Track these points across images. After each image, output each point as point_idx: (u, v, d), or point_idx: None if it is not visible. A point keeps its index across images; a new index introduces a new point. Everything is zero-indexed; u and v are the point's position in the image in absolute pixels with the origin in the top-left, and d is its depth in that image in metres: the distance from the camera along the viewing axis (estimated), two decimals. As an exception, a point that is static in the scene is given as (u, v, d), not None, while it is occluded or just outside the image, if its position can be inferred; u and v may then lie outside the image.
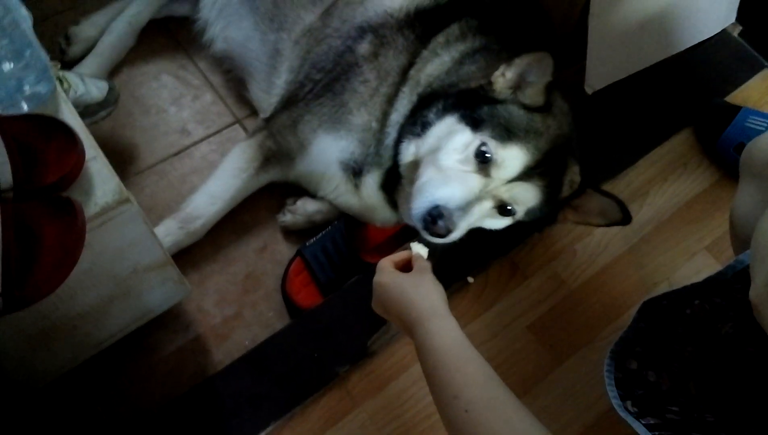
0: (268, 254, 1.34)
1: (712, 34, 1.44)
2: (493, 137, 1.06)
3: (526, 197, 1.09)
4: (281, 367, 1.18)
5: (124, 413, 1.14)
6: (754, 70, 1.59)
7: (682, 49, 1.41)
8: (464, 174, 1.06)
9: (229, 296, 1.28)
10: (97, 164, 0.87)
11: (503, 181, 1.06)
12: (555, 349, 1.25)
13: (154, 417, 1.13)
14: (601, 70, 1.34)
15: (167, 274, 1.08)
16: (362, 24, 1.27)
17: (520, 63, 1.09)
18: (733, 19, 1.46)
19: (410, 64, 1.24)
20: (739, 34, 1.61)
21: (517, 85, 1.11)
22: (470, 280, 1.29)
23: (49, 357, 1.02)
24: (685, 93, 1.55)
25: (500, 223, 1.15)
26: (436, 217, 1.03)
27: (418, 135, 1.14)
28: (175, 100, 1.52)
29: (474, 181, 1.06)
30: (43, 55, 0.86)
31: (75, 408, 1.13)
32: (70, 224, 0.77)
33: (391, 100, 1.22)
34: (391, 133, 1.22)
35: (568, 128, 1.15)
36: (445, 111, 1.13)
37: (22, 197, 0.77)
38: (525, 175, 1.07)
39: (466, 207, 1.05)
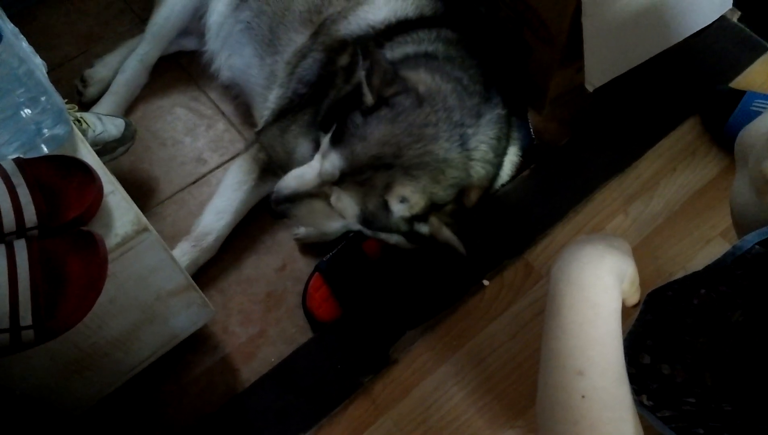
0: (287, 272, 1.38)
1: (710, 22, 1.45)
2: (331, 140, 1.09)
3: (343, 203, 1.08)
4: (307, 380, 1.21)
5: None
6: (756, 53, 1.59)
7: (680, 39, 1.41)
8: (311, 168, 1.12)
9: (253, 316, 1.32)
10: (115, 198, 0.92)
11: (330, 181, 1.09)
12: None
13: (188, 436, 1.17)
14: (600, 67, 1.36)
15: (191, 298, 1.12)
16: (345, 37, 1.31)
17: (360, 65, 1.08)
18: (730, 5, 1.46)
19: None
20: (739, 20, 1.61)
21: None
22: (486, 282, 1.31)
23: (84, 384, 1.07)
24: (688, 82, 1.55)
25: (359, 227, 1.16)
26: (273, 202, 1.15)
27: None
28: (189, 131, 1.57)
29: (311, 176, 1.11)
30: (59, 99, 0.91)
31: (112, 433, 1.18)
32: (92, 256, 0.81)
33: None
34: None
35: (408, 137, 1.05)
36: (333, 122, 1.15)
37: (47, 234, 0.82)
38: (342, 182, 1.07)
39: (294, 198, 1.11)
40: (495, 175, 1.24)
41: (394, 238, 1.17)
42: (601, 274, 0.81)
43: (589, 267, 0.81)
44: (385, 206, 1.07)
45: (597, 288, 0.79)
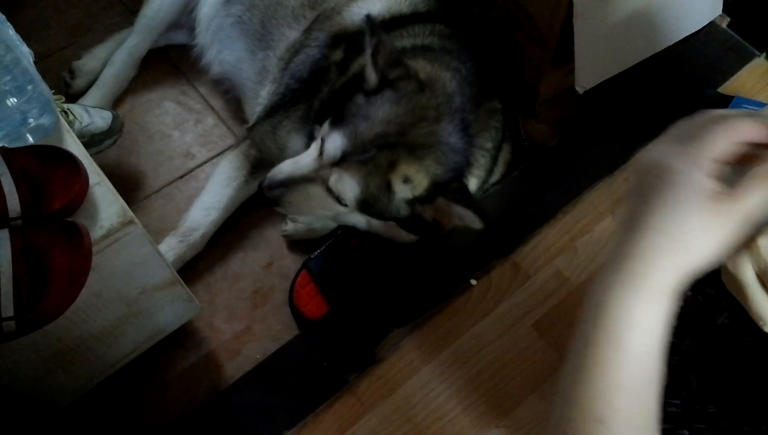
0: (274, 269, 1.37)
1: (699, 28, 1.46)
2: (331, 122, 1.08)
3: (345, 185, 1.06)
4: (292, 377, 1.21)
5: (142, 430, 1.17)
6: (745, 59, 1.60)
7: (670, 43, 1.42)
8: (306, 154, 1.11)
9: (239, 312, 1.32)
10: (101, 189, 0.91)
11: (329, 164, 1.06)
12: (561, 347, 1.26)
13: (170, 433, 1.16)
14: (591, 70, 1.36)
15: (176, 293, 1.11)
16: (338, 32, 1.31)
17: (367, 42, 1.06)
18: (719, 11, 1.48)
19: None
20: (728, 25, 1.63)
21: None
22: (473, 282, 1.31)
23: (66, 378, 1.05)
24: (677, 86, 1.56)
25: (356, 217, 1.16)
26: (265, 187, 1.13)
27: None
28: (178, 125, 1.56)
29: (307, 160, 1.09)
30: (45, 88, 0.90)
31: (95, 428, 1.17)
32: (76, 248, 0.81)
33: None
34: None
35: (412, 117, 1.05)
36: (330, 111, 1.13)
37: (31, 224, 0.81)
38: (344, 162, 1.05)
39: (288, 183, 1.10)
40: (491, 168, 1.24)
41: (389, 232, 1.15)
42: (631, 304, 0.59)
43: (614, 295, 0.59)
44: (388, 187, 1.06)
45: (623, 324, 0.59)
